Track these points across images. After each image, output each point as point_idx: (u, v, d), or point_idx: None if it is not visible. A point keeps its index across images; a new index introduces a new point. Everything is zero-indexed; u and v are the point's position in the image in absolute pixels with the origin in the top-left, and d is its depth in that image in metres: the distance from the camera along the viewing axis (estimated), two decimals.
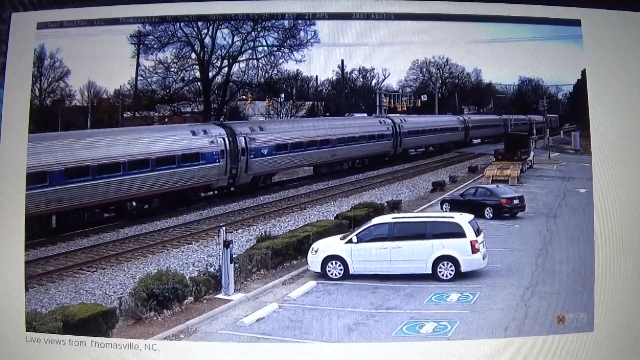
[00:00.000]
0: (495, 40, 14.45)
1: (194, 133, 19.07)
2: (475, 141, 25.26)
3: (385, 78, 19.73)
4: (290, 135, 20.76)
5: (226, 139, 19.57)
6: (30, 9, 13.23)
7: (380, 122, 22.92)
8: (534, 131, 22.59)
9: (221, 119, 19.93)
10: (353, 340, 12.39)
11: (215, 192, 19.80)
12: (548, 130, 22.38)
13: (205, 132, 19.26)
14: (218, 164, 19.39)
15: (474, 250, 14.92)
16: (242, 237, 16.97)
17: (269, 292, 14.65)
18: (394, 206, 18.31)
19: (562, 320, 12.60)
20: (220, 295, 14.31)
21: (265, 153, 20.30)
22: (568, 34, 13.33)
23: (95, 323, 12.47)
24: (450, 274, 14.77)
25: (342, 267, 15.17)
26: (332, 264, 15.22)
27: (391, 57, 14.68)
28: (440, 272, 14.81)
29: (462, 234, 15.06)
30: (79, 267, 15.31)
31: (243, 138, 19.92)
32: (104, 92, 16.93)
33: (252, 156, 20.09)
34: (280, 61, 17.85)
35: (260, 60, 18.23)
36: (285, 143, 20.59)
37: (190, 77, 18.20)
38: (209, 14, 13.79)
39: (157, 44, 16.71)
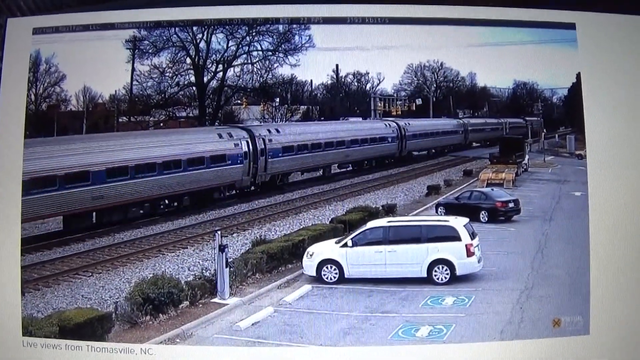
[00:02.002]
0: (490, 44, 14.48)
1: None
2: (475, 144, 25.41)
3: (379, 82, 19.77)
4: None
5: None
6: (27, 14, 13.26)
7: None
8: (529, 134, 22.63)
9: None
10: (348, 344, 12.40)
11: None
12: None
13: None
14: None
15: (469, 253, 14.94)
16: (237, 241, 16.96)
17: (265, 296, 14.64)
18: (389, 210, 18.29)
19: (558, 323, 12.63)
20: (215, 300, 14.30)
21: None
22: (563, 38, 13.37)
23: (91, 327, 12.48)
24: (445, 278, 14.79)
25: (337, 271, 15.17)
26: (327, 267, 15.21)
27: (386, 61, 14.70)
28: (435, 275, 14.82)
29: (457, 238, 15.07)
30: (75, 271, 15.29)
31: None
32: (99, 97, 16.93)
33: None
34: (275, 65, 17.84)
35: (255, 65, 18.25)
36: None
37: (185, 82, 18.20)
38: (204, 18, 13.78)
39: (152, 48, 16.73)
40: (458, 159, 23.84)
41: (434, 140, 24.83)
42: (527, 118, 23.53)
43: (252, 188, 20.73)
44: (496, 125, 25.26)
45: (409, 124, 23.52)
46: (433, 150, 25.09)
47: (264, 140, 20.81)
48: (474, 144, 25.72)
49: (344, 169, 22.72)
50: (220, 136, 19.87)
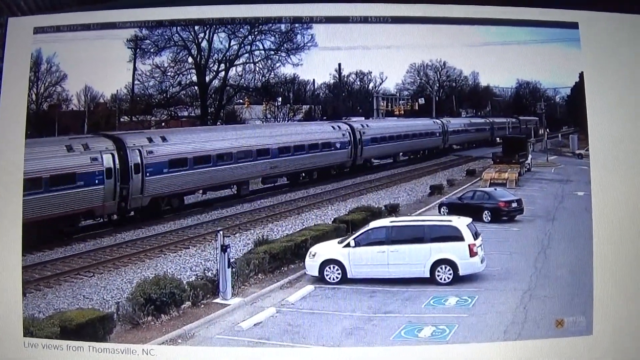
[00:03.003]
0: (493, 43, 14.45)
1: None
2: (455, 147, 25.15)
3: (382, 81, 19.78)
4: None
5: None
6: (28, 13, 13.23)
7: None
8: (532, 134, 22.58)
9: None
10: (351, 344, 12.38)
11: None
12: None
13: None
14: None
15: (472, 253, 14.90)
16: (239, 241, 16.94)
17: (267, 296, 14.63)
18: (392, 210, 18.27)
19: (561, 323, 12.59)
20: (217, 300, 14.28)
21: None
22: (566, 37, 13.32)
23: (93, 328, 12.46)
24: (448, 278, 14.75)
25: (339, 271, 15.14)
26: (329, 268, 15.18)
27: (388, 60, 14.69)
28: (438, 275, 14.79)
29: (460, 238, 15.03)
30: (76, 272, 15.28)
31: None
32: (100, 97, 16.93)
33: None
34: (277, 65, 17.84)
35: (257, 64, 18.22)
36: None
37: (187, 81, 18.18)
38: (206, 18, 13.75)
39: (153, 48, 16.71)
40: (461, 159, 23.77)
41: (399, 144, 23.93)
42: (522, 117, 23.45)
43: (115, 217, 17.90)
44: (483, 126, 25.00)
45: (367, 125, 22.81)
46: (403, 157, 24.34)
47: (140, 152, 18.17)
48: (455, 146, 25.19)
49: (270, 184, 20.72)
50: (70, 149, 16.81)
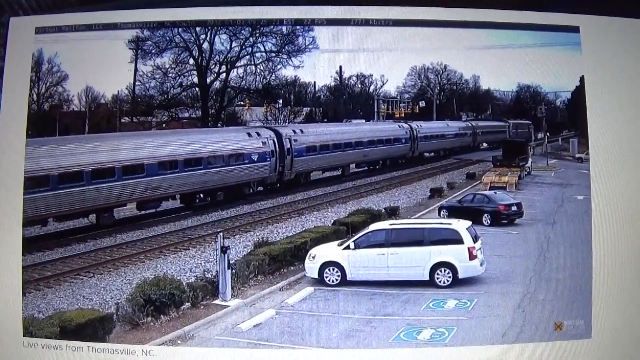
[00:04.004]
0: (494, 47, 14.47)
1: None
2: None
3: (383, 84, 19.76)
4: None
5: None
6: (29, 13, 13.23)
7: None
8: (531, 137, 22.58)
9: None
10: (350, 346, 12.37)
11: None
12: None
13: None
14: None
15: (472, 256, 14.91)
16: (239, 243, 16.95)
17: (266, 298, 14.62)
18: (392, 212, 18.29)
19: (560, 327, 12.59)
20: (217, 301, 14.29)
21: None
22: (566, 41, 13.33)
23: (93, 328, 12.45)
24: (447, 281, 14.76)
25: (339, 273, 15.14)
26: (329, 270, 15.19)
27: (389, 63, 14.67)
28: (437, 278, 14.80)
29: (459, 241, 15.04)
30: (76, 272, 15.28)
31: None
32: (101, 97, 16.94)
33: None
34: (279, 67, 17.86)
35: (259, 66, 18.24)
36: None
37: (188, 83, 18.18)
38: (207, 19, 13.76)
39: (155, 49, 16.70)
40: (461, 162, 23.77)
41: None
42: (512, 121, 23.38)
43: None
44: (463, 130, 24.77)
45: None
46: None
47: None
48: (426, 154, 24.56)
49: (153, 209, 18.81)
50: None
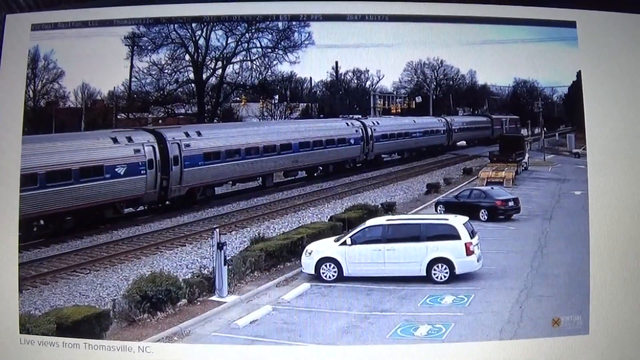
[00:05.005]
0: (490, 42, 14.45)
1: None
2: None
3: (379, 80, 19.70)
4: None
5: None
6: (25, 10, 13.21)
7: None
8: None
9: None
10: (347, 342, 12.37)
11: None
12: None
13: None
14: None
15: (469, 252, 14.91)
16: (235, 239, 16.93)
17: (263, 294, 14.62)
18: (388, 208, 18.27)
19: (557, 322, 12.59)
20: (213, 298, 14.27)
21: None
22: (563, 36, 13.33)
23: (89, 325, 12.45)
24: (444, 276, 14.76)
25: (336, 269, 15.14)
26: (326, 266, 15.18)
27: (385, 58, 14.65)
28: (434, 274, 14.80)
29: (456, 236, 15.05)
30: (72, 269, 15.27)
31: None
32: (98, 94, 16.87)
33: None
34: (274, 63, 17.80)
35: (254, 62, 18.18)
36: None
37: (184, 79, 18.14)
38: (203, 15, 13.74)
39: (151, 45, 16.66)
40: (458, 157, 23.74)
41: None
42: (494, 116, 23.22)
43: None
44: (435, 127, 23.95)
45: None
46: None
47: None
48: (386, 157, 23.02)
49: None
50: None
